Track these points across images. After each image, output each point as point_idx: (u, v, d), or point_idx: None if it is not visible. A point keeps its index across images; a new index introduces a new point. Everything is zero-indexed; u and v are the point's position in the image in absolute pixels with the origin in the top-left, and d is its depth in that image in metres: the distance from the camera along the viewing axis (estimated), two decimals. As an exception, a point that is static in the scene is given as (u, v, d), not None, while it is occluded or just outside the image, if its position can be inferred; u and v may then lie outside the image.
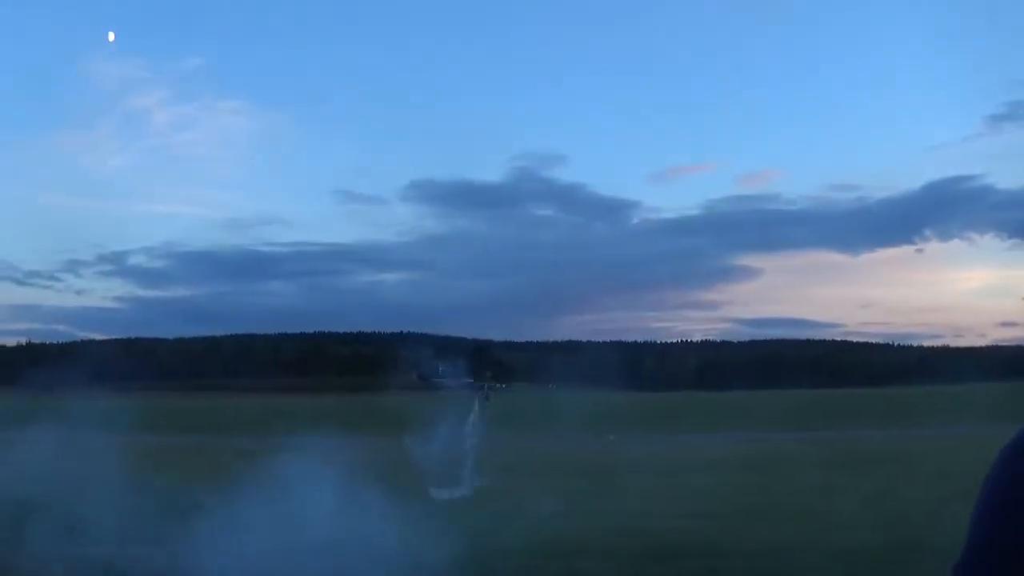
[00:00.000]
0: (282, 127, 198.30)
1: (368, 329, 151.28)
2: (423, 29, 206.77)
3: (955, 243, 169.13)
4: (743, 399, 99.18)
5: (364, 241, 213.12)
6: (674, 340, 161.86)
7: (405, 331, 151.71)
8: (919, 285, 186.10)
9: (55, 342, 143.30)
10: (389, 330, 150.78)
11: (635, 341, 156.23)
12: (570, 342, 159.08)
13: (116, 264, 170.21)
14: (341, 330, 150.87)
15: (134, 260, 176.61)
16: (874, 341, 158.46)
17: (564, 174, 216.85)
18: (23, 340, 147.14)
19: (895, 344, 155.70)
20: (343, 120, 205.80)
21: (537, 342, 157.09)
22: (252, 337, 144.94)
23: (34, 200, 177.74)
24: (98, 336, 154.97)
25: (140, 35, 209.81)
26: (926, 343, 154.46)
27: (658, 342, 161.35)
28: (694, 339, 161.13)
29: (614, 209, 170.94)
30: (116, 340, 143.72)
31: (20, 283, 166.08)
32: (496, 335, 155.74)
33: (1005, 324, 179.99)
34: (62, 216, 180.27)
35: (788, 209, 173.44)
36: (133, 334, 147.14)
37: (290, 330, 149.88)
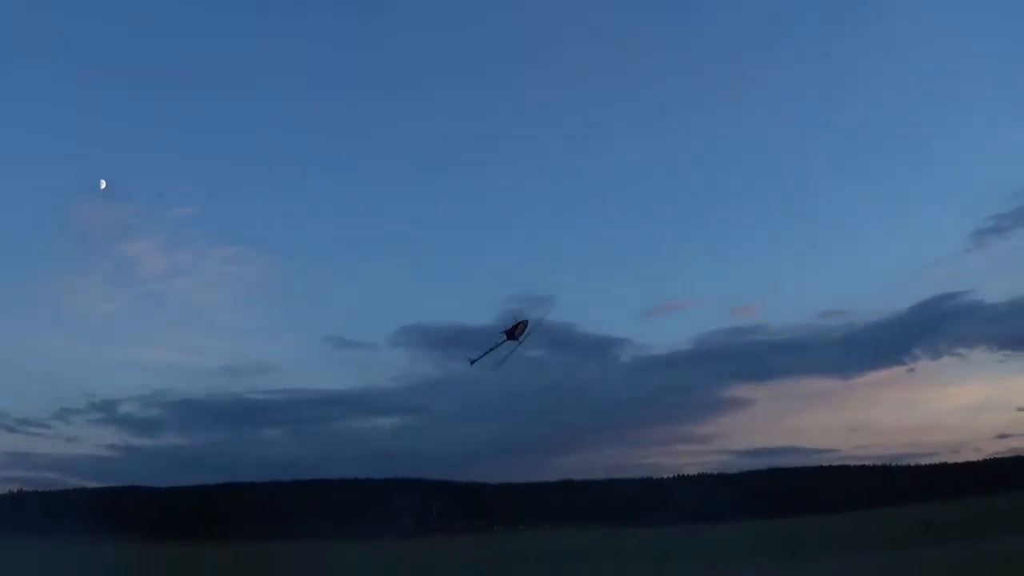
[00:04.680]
0: (273, 275, 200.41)
1: (362, 475, 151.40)
2: (416, 173, 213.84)
3: (946, 360, 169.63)
4: (743, 531, 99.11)
5: (357, 387, 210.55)
6: (669, 475, 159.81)
7: (399, 477, 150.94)
8: (912, 405, 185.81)
9: (46, 490, 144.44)
10: (383, 476, 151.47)
11: (630, 478, 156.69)
12: (566, 482, 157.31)
13: (107, 412, 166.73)
14: (335, 476, 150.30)
15: (126, 408, 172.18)
16: (870, 464, 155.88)
17: (554, 314, 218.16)
18: (14, 488, 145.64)
19: (892, 465, 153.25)
20: (334, 266, 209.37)
21: (533, 483, 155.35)
22: (245, 485, 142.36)
23: (24, 346, 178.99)
24: (89, 484, 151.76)
25: (135, 182, 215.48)
26: (923, 462, 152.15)
27: (653, 478, 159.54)
28: (689, 473, 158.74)
29: (604, 347, 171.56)
30: (107, 488, 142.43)
31: (10, 430, 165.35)
32: (491, 478, 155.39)
33: (1001, 436, 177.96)
34: (53, 363, 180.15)
35: (778, 339, 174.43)
36: (124, 482, 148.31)
37: (283, 478, 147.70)
